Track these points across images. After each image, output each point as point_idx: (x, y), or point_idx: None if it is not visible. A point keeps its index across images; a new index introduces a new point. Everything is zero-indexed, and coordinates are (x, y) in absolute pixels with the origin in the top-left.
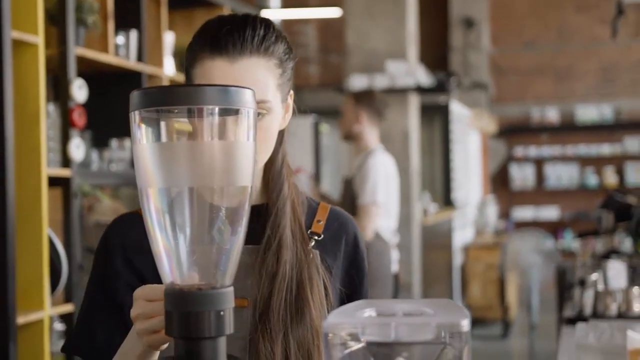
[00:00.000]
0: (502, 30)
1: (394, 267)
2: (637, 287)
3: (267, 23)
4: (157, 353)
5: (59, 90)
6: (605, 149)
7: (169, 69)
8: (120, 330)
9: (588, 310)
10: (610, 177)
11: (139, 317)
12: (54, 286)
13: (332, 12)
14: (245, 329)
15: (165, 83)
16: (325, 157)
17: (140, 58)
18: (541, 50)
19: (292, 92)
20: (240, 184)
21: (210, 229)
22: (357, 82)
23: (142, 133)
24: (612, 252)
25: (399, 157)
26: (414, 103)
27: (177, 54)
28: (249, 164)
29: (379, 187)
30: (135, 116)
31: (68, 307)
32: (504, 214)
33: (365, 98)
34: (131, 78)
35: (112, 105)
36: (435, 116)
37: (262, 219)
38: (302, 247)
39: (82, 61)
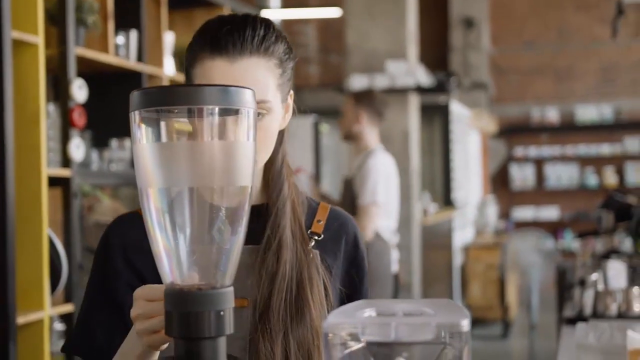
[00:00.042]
0: (502, 30)
1: (394, 267)
2: (637, 287)
3: (267, 23)
4: (157, 353)
5: (59, 90)
6: (605, 149)
7: (169, 69)
8: (120, 330)
9: (588, 310)
10: (610, 177)
11: (139, 317)
12: (54, 286)
13: (332, 12)
14: (245, 329)
15: (165, 83)
16: (325, 157)
17: (140, 58)
18: (541, 50)
19: (292, 92)
20: (240, 184)
21: (210, 229)
22: (357, 82)
23: (142, 133)
24: (612, 252)
25: (399, 157)
26: (414, 103)
27: (177, 54)
28: (248, 164)
29: (379, 187)
30: (135, 116)
31: (68, 307)
32: (504, 214)
33: (365, 98)
34: (131, 78)
35: (112, 105)
36: (435, 116)
37: (262, 219)
38: (302, 247)
39: (82, 61)
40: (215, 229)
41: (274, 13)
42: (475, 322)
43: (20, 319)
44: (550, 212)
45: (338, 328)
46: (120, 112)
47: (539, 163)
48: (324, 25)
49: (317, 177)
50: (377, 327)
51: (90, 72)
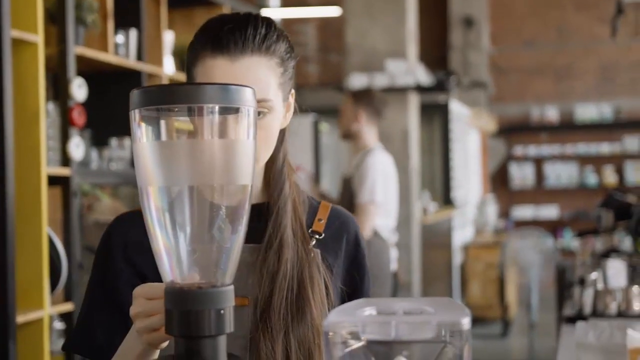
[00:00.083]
0: (502, 30)
1: (393, 266)
2: (636, 286)
3: (269, 22)
4: (157, 352)
5: (58, 89)
6: (605, 148)
7: (168, 68)
8: (120, 329)
9: (588, 309)
10: (610, 176)
11: (139, 315)
12: (54, 285)
13: (332, 11)
14: (246, 328)
15: (165, 82)
16: (325, 156)
17: (139, 57)
18: (541, 49)
19: (293, 91)
20: (241, 183)
21: (211, 228)
22: (357, 81)
23: (142, 132)
24: (611, 251)
25: (399, 156)
26: (413, 102)
27: (176, 53)
28: (249, 163)
29: (378, 186)
30: (135, 115)
31: (68, 306)
32: (504, 213)
33: (364, 97)
34: (131, 77)
35: (111, 104)
36: (435, 115)
37: (263, 217)
38: (303, 246)
39: (81, 60)
40: (216, 227)
41: (274, 12)
42: (475, 321)
43: (20, 318)
44: (550, 211)
45: (338, 326)
46: (120, 111)
47: (539, 162)
48: (324, 24)
49: (316, 176)
50: (378, 326)
51: (90, 71)
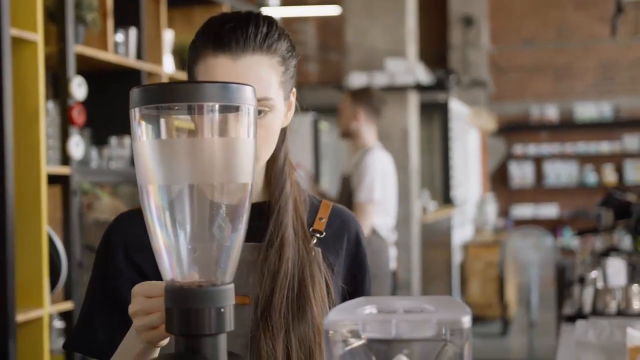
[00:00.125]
0: (502, 28)
1: (392, 265)
2: (636, 284)
3: (270, 21)
4: (157, 350)
5: (58, 88)
6: (605, 146)
7: (168, 66)
8: (121, 328)
9: (587, 307)
10: (610, 175)
11: (138, 314)
12: (54, 284)
13: (332, 10)
14: (246, 327)
15: (165, 81)
16: (324, 154)
17: (139, 56)
18: (540, 48)
19: (294, 89)
20: (241, 181)
21: (211, 226)
22: (357, 80)
23: (142, 130)
24: (611, 250)
25: (399, 155)
26: (413, 101)
27: (176, 52)
28: (249, 161)
29: (376, 184)
30: (135, 113)
31: (67, 305)
32: (503, 212)
33: (363, 96)
34: (130, 76)
35: (111, 103)
36: (435, 114)
37: (264, 216)
38: (304, 245)
39: (81, 59)
40: (216, 226)
41: (274, 11)
42: (475, 320)
43: (20, 317)
44: (550, 210)
45: (339, 325)
46: (120, 109)
47: (538, 161)
48: (324, 23)
49: (316, 175)
50: (378, 324)
51: (90, 69)
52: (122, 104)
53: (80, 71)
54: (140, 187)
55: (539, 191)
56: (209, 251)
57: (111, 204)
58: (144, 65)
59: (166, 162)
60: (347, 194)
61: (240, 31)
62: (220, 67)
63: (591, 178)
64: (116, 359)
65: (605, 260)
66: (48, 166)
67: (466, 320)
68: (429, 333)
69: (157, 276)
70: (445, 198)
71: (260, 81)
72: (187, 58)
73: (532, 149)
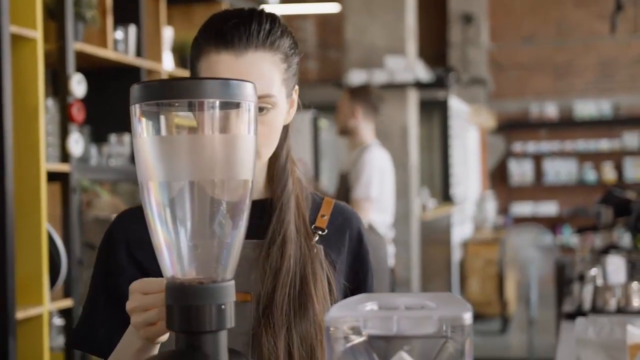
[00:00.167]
0: (501, 26)
1: (390, 262)
2: (636, 282)
3: (273, 17)
4: (157, 347)
5: (57, 85)
6: (604, 144)
7: (167, 64)
8: (123, 326)
9: (587, 305)
10: (609, 173)
11: (136, 310)
12: (53, 281)
13: (331, 8)
14: (248, 324)
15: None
16: (324, 152)
17: (139, 53)
18: (540, 45)
19: (297, 87)
20: (241, 178)
21: (211, 223)
22: (356, 77)
23: (142, 127)
24: (611, 248)
25: (398, 152)
26: (412, 99)
27: (175, 49)
28: (250, 158)
29: (373, 182)
30: (135, 110)
31: (67, 302)
32: (503, 210)
33: (361, 93)
34: (130, 73)
35: (111, 100)
36: (434, 112)
37: (266, 214)
38: (306, 242)
39: (80, 56)
40: (216, 223)
41: (273, 8)
42: (474, 318)
43: (20, 314)
44: (549, 208)
45: (340, 322)
46: (119, 107)
47: (538, 158)
48: (323, 20)
49: (316, 172)
50: (379, 321)
51: (89, 67)
52: (122, 102)
53: (79, 68)
54: (141, 184)
55: (539, 189)
56: (209, 248)
57: (111, 202)
58: (143, 63)
59: (167, 159)
60: (345, 191)
61: (243, 28)
62: (222, 63)
63: (591, 176)
64: (116, 355)
65: (605, 258)
66: (48, 163)
67: (467, 317)
68: (430, 330)
69: (159, 273)
70: (445, 196)
71: (263, 78)
72: (189, 55)
73: (532, 146)
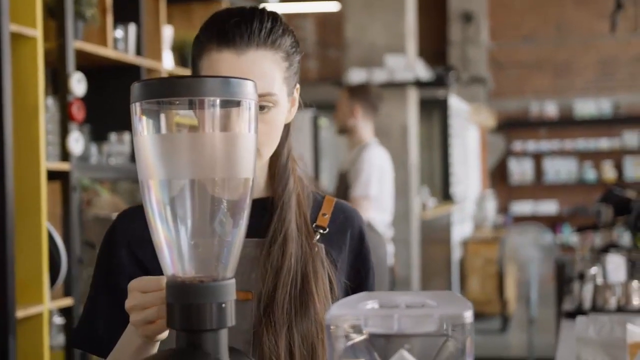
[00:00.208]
0: (501, 25)
1: (389, 261)
2: (636, 281)
3: (275, 16)
4: (156, 345)
5: (57, 84)
6: (604, 143)
7: (167, 62)
8: (123, 325)
9: (587, 304)
10: (609, 172)
11: (135, 308)
12: (53, 280)
13: (331, 6)
14: (249, 323)
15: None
16: (323, 151)
17: (139, 52)
18: (540, 44)
19: (298, 85)
20: (242, 176)
21: (212, 221)
22: (356, 76)
23: (143, 125)
24: (611, 246)
25: (398, 151)
26: (412, 97)
27: (175, 48)
28: (250, 156)
29: (372, 180)
30: (136, 108)
31: (67, 301)
32: (503, 209)
33: (360, 92)
34: (130, 72)
35: (111, 99)
36: (434, 110)
37: (267, 212)
38: (307, 241)
39: (80, 55)
40: (217, 221)
41: (274, 7)
42: (474, 317)
43: (20, 313)
44: (549, 207)
45: (340, 320)
46: (119, 105)
47: (538, 157)
48: (323, 19)
49: (315, 171)
50: (380, 319)
51: (89, 65)
52: (122, 100)
53: (79, 67)
54: (141, 182)
55: (539, 188)
56: (210, 246)
57: (111, 200)
58: (143, 61)
59: (167, 157)
60: (345, 189)
61: (245, 26)
62: (224, 62)
63: (590, 174)
64: (115, 354)
65: (605, 257)
66: (48, 162)
67: (468, 315)
68: (430, 328)
69: (159, 271)
70: (445, 194)
71: (264, 76)
72: (191, 53)
73: (532, 145)
